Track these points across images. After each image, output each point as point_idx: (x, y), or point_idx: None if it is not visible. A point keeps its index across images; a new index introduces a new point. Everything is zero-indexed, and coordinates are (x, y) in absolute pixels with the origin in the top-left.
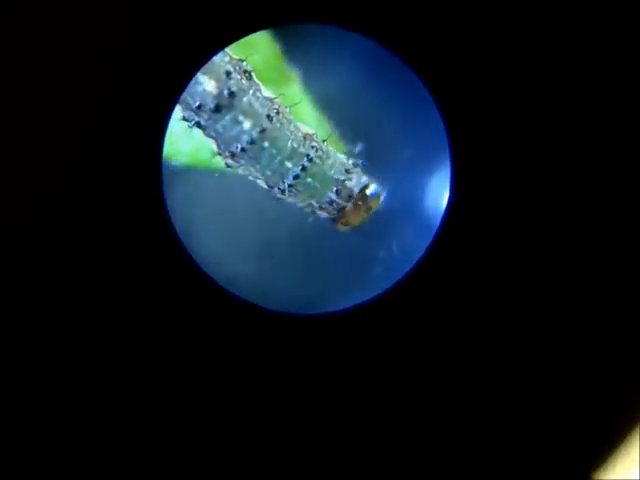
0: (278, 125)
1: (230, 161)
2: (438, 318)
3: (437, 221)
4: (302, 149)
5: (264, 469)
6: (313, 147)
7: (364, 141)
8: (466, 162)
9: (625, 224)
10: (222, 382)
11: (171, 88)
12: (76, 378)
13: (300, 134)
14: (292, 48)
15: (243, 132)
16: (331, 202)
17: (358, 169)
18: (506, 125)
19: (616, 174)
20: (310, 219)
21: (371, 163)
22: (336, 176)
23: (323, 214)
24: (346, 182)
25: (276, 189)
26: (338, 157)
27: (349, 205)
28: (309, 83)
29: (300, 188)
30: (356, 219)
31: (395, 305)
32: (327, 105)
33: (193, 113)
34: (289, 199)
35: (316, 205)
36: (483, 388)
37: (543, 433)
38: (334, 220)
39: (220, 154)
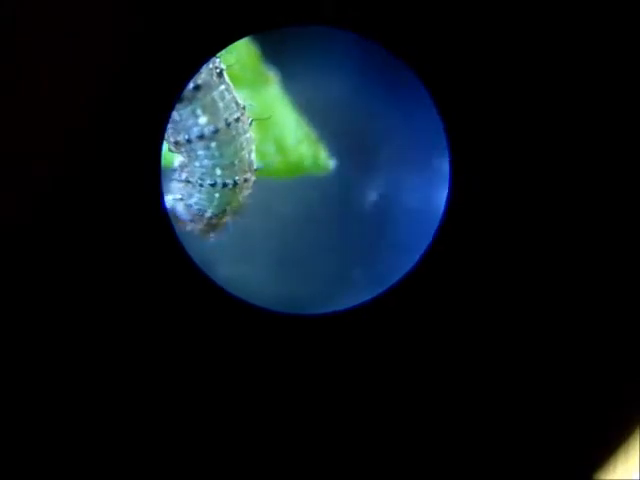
0: (233, 133)
1: (172, 147)
2: (438, 318)
3: (436, 220)
4: (238, 170)
5: (263, 469)
6: (246, 179)
7: (358, 142)
8: (465, 162)
9: (624, 223)
10: (221, 382)
11: (171, 87)
12: (75, 377)
13: (248, 157)
14: (272, 49)
15: (196, 125)
16: (201, 214)
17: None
18: (505, 124)
19: (615, 171)
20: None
21: (370, 163)
22: (231, 207)
23: (183, 214)
24: (225, 218)
25: (183, 180)
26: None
27: (202, 226)
28: (291, 85)
29: (204, 192)
30: (193, 229)
31: (394, 305)
32: (315, 108)
33: None
34: (183, 191)
35: (189, 203)
36: (483, 388)
37: (543, 433)
38: (185, 220)
39: (166, 139)
